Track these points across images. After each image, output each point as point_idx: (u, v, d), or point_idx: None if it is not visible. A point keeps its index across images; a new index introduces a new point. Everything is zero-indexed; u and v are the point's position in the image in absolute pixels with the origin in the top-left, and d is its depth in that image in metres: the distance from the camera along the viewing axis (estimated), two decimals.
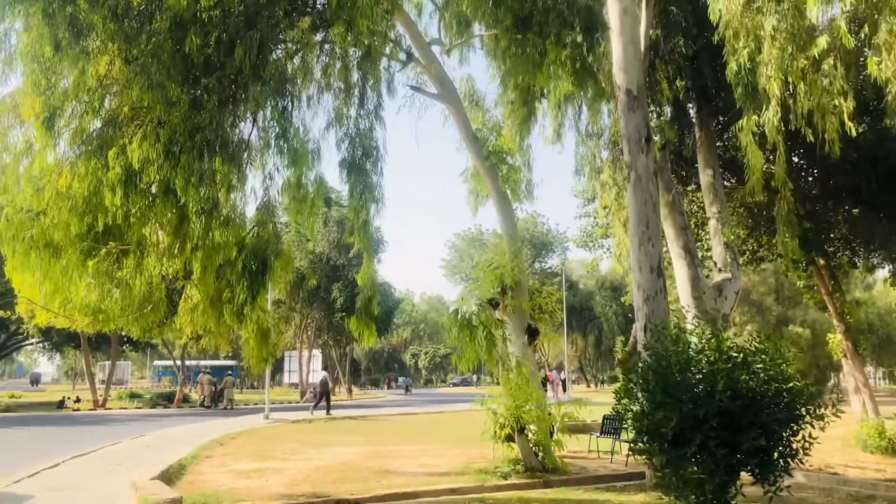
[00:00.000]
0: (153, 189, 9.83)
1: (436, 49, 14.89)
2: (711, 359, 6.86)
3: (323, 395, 30.94)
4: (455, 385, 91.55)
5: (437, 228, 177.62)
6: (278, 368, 61.91)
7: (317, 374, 52.77)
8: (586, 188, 22.53)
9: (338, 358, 60.26)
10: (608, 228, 20.88)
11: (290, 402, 43.53)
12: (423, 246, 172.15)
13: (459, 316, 12.74)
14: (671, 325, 8.89)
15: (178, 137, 9.53)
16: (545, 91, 15.48)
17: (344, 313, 41.85)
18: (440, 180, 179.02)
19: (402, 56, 14.60)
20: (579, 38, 13.80)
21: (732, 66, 10.36)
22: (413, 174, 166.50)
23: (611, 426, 14.02)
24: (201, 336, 16.77)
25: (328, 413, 29.77)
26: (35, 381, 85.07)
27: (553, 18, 12.98)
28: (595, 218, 23.99)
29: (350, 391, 55.88)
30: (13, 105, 9.71)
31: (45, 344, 50.14)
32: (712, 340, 7.10)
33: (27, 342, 49.85)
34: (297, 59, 11.62)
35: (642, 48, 11.89)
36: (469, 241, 59.23)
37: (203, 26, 9.65)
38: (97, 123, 9.84)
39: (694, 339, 7.34)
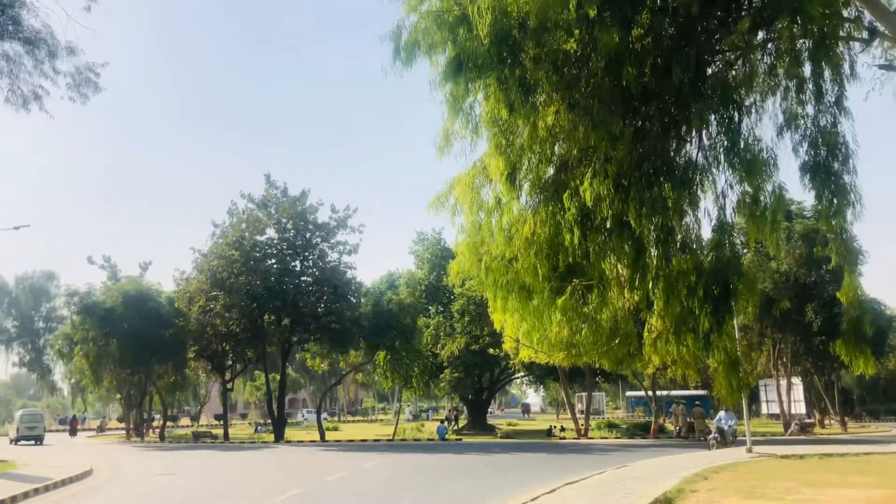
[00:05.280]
0: (607, 224, 10.03)
1: None
2: None
3: None
4: None
5: None
6: (754, 398, 58.11)
7: (799, 405, 48.04)
8: None
9: (823, 387, 54.01)
10: None
11: (772, 435, 40.26)
12: None
13: None
14: None
15: (626, 170, 9.60)
16: None
17: (823, 336, 37.39)
18: None
19: (864, 35, 12.52)
20: None
21: None
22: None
23: None
24: (668, 366, 16.55)
25: None
26: (525, 410, 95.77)
27: None
28: None
29: (844, 424, 49.37)
30: (482, 167, 11.03)
31: (530, 377, 55.91)
32: None
33: (515, 376, 56.24)
34: (737, 66, 10.82)
35: None
36: None
37: (637, 56, 9.65)
38: (550, 170, 10.55)
39: None
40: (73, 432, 59.18)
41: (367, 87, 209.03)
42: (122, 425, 60.26)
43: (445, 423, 47.78)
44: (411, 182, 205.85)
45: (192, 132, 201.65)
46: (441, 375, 49.82)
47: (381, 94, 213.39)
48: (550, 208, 10.16)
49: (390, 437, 43.42)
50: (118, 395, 57.90)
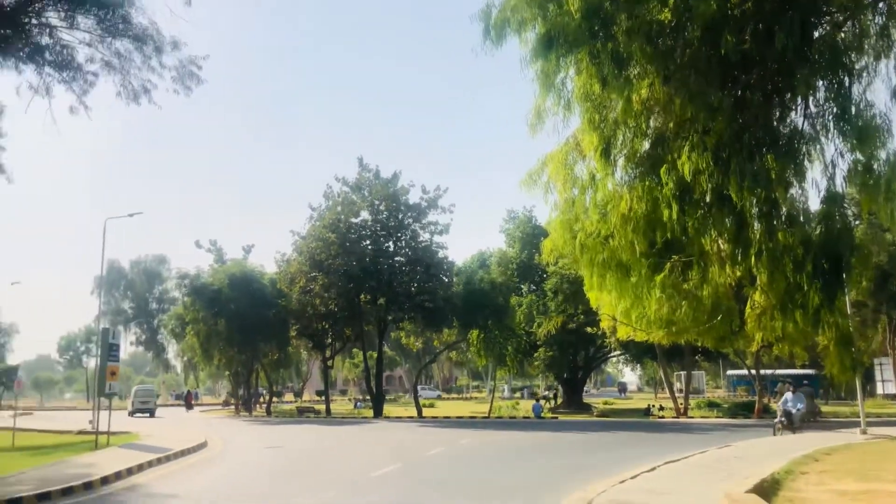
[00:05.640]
0: (707, 199, 9.76)
1: None
2: None
3: None
4: None
5: None
6: (869, 378, 55.11)
7: None
8: None
9: None
10: None
11: (888, 416, 38.14)
12: None
13: None
14: None
15: (725, 142, 9.29)
16: None
17: None
18: None
19: None
20: None
21: None
22: None
23: None
24: (772, 344, 15.96)
25: None
26: (622, 389, 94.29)
27: None
28: None
29: None
30: (575, 143, 10.91)
31: (626, 356, 55.03)
32: None
33: (611, 354, 55.49)
34: (846, 28, 10.23)
35: None
36: None
37: (736, 23, 9.28)
38: (646, 145, 10.32)
39: None
40: (188, 406, 62.97)
41: (457, 66, 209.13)
42: (232, 401, 63.51)
43: (541, 402, 47.74)
44: (502, 160, 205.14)
45: (287, 118, 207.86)
46: (535, 354, 49.77)
47: (473, 72, 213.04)
48: (647, 183, 9.96)
49: (486, 415, 43.83)
50: (227, 372, 60.98)
